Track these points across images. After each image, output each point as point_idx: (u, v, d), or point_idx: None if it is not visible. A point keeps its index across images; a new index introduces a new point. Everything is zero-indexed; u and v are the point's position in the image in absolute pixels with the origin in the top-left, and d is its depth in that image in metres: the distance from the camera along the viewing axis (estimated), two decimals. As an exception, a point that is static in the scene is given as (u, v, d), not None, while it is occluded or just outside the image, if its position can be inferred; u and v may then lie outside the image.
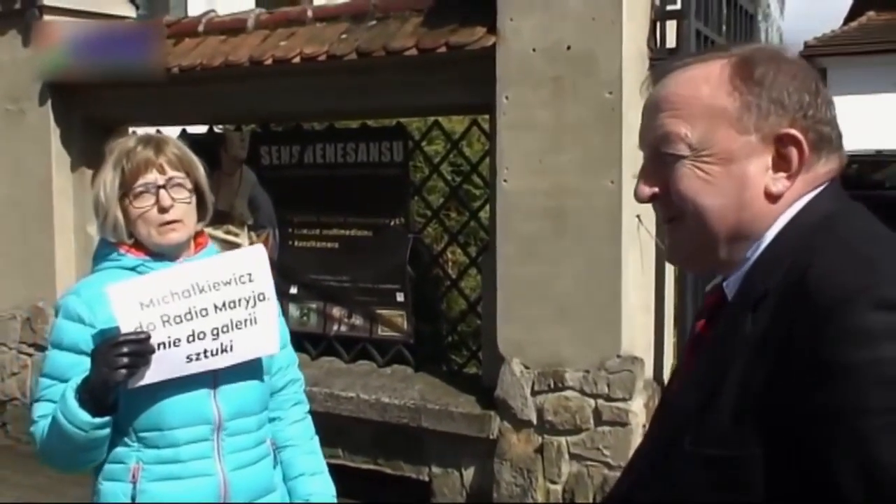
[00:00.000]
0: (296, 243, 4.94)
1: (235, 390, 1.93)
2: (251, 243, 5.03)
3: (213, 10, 5.22)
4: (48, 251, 5.29)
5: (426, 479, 4.26)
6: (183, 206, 1.89)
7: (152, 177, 1.88)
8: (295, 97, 4.63)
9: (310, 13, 4.64)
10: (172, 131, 5.35)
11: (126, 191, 1.88)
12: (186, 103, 4.98)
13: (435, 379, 4.49)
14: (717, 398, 1.02)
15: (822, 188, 1.09)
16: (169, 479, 1.87)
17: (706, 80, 1.09)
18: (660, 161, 1.12)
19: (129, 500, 1.86)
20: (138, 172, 1.88)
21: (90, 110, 5.27)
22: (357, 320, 4.74)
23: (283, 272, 4.94)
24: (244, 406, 1.95)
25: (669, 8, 3.86)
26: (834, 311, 0.93)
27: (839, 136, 1.11)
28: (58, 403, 1.79)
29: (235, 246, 5.01)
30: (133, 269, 1.91)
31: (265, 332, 1.89)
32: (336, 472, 4.32)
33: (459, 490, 4.18)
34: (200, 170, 1.96)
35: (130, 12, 5.52)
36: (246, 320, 1.85)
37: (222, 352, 1.85)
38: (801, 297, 0.97)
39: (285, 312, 4.90)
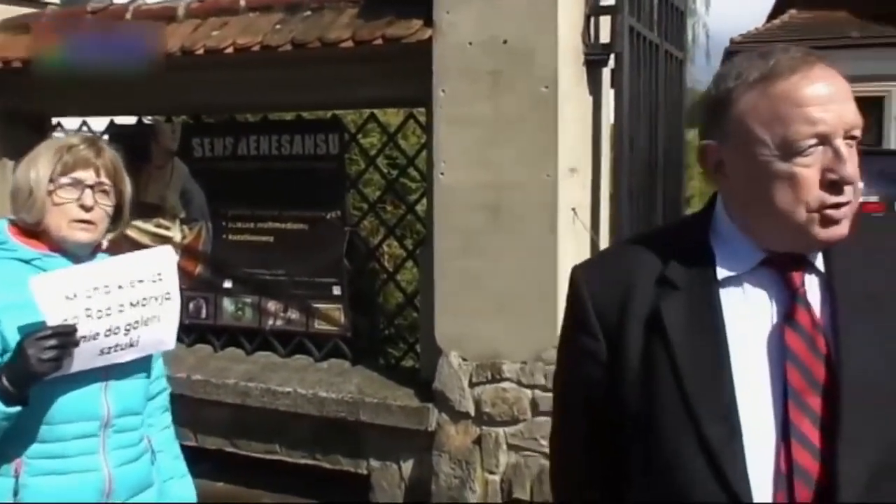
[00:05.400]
0: (230, 237, 4.86)
1: (124, 386, 1.96)
2: (183, 237, 4.94)
3: (141, -2, 5.08)
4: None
5: (365, 472, 4.25)
6: (102, 212, 1.94)
7: (85, 175, 1.92)
8: (228, 88, 4.55)
9: (243, 2, 4.55)
10: (100, 122, 5.22)
11: (55, 179, 1.90)
12: (114, 94, 4.83)
13: (372, 373, 4.48)
14: None
15: None
16: (53, 474, 1.86)
17: None
18: None
19: (12, 496, 1.84)
20: (75, 166, 1.92)
21: (13, 101, 5.08)
22: (293, 314, 4.70)
23: (217, 266, 4.86)
24: (131, 404, 1.99)
25: (603, 3, 3.91)
26: None
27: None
28: None
29: (167, 240, 4.91)
30: (28, 262, 1.90)
31: (166, 330, 1.98)
32: (274, 467, 4.29)
33: (398, 483, 4.18)
34: (128, 187, 2.03)
35: (55, -2, 5.34)
36: (153, 317, 1.94)
37: (129, 346, 1.91)
38: None
39: (220, 307, 4.88)
